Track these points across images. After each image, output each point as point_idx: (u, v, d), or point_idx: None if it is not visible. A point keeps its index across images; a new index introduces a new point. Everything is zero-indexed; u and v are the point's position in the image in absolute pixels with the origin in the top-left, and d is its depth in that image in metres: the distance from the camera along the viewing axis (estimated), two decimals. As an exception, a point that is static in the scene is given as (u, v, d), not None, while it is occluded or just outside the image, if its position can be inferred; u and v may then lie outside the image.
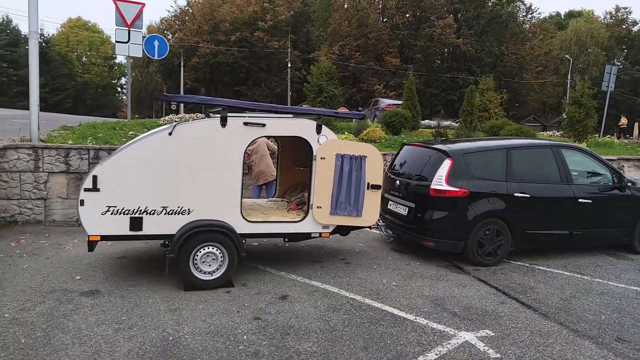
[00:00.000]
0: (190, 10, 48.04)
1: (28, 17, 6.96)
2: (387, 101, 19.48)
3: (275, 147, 7.70)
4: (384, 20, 44.18)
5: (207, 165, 4.40)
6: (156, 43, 12.91)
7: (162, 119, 12.14)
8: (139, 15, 12.17)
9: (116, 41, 12.16)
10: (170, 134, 4.27)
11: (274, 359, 3.19)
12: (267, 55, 41.63)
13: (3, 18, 47.62)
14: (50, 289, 4.27)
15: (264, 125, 4.60)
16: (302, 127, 4.78)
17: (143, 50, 12.51)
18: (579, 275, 5.42)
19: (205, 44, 41.86)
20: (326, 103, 12.75)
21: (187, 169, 4.35)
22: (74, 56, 59.47)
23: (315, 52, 39.35)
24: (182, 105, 38.62)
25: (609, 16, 56.09)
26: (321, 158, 4.76)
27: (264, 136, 5.02)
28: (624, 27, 54.26)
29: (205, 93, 45.44)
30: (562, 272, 5.53)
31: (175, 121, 11.30)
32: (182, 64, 41.02)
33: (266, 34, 40.95)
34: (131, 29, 11.97)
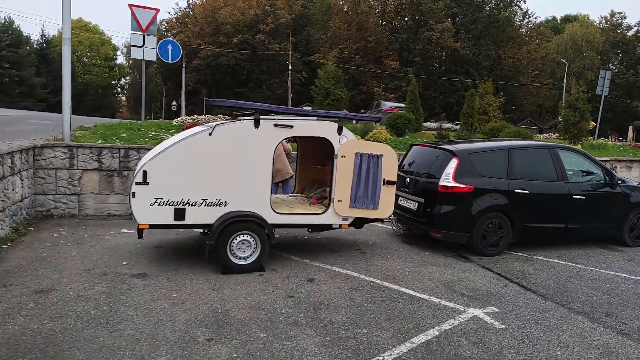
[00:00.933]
0: (192, 13, 48.55)
1: (62, 25, 7.46)
2: (389, 104, 20.06)
3: (290, 147, 8.24)
4: (383, 23, 44.88)
5: (242, 162, 4.92)
6: (170, 47, 13.42)
7: (175, 120, 12.63)
8: (153, 21, 12.68)
9: (131, 45, 12.65)
10: (210, 134, 4.79)
11: (312, 327, 3.71)
12: (268, 57, 42.18)
13: (5, 19, 47.84)
14: (102, 272, 4.77)
15: (291, 126, 5.12)
16: (325, 129, 5.30)
17: (157, 54, 13.01)
18: (573, 264, 5.97)
19: (207, 46, 42.35)
20: (333, 106, 13.32)
21: (225, 166, 4.86)
22: (74, 57, 59.78)
23: (316, 55, 39.96)
24: (182, 107, 39.14)
25: (604, 21, 57.07)
26: (342, 156, 5.28)
27: (291, 137, 5.52)
28: (618, 31, 55.18)
29: (206, 94, 45.90)
30: (558, 261, 6.08)
31: (189, 122, 11.83)
32: (183, 66, 41.47)
33: (267, 36, 41.52)
34: (146, 33, 12.46)
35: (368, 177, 5.36)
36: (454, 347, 3.50)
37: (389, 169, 5.43)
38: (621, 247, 6.98)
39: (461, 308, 4.28)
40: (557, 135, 16.44)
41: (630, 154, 13.54)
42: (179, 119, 12.94)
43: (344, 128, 5.34)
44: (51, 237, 6.02)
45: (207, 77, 44.19)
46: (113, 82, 69.16)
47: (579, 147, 11.82)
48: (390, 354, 3.33)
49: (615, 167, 11.32)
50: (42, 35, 53.81)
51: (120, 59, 69.93)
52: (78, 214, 7.24)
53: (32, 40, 52.73)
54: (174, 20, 51.39)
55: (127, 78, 69.69)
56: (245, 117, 5.45)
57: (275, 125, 5.04)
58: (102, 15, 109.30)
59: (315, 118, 5.45)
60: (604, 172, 6.95)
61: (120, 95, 73.04)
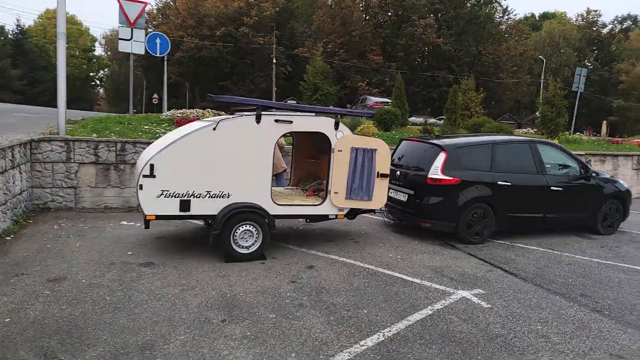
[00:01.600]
0: (173, 4, 47.83)
1: (57, 20, 7.49)
2: (374, 99, 20.39)
3: (283, 141, 8.47)
4: (367, 18, 45.13)
5: (244, 156, 5.15)
6: (158, 41, 13.44)
7: (163, 114, 12.66)
8: (141, 14, 12.68)
9: (119, 39, 12.64)
10: (214, 129, 5.00)
11: (316, 308, 4.01)
12: (252, 50, 41.96)
13: (-22, 8, 46.19)
14: (110, 261, 4.96)
15: (291, 122, 5.38)
16: (322, 124, 5.57)
17: (145, 48, 13.00)
18: (551, 251, 6.42)
19: (189, 38, 41.85)
20: (321, 101, 13.58)
21: (228, 159, 5.09)
22: (51, 48, 58.18)
23: (300, 49, 40.01)
24: (165, 100, 38.79)
25: (580, 18, 58.61)
26: (338, 150, 5.57)
27: (291, 131, 5.76)
28: (594, 29, 56.84)
29: (189, 87, 45.50)
30: (537, 248, 6.53)
31: (178, 116, 11.90)
32: (165, 58, 40.95)
33: (251, 29, 41.27)
34: (134, 27, 12.45)
35: (363, 170, 5.66)
36: (446, 323, 3.85)
37: (383, 163, 5.75)
38: (595, 235, 7.49)
39: (451, 290, 4.64)
40: (535, 130, 17.09)
41: (604, 148, 14.22)
42: (167, 112, 12.95)
43: (340, 123, 5.62)
44: (52, 230, 6.14)
45: (189, 69, 43.67)
46: (91, 74, 67.63)
47: (556, 141, 12.40)
48: (390, 330, 3.65)
49: (590, 160, 11.94)
50: (18, 26, 52.22)
51: (99, 51, 68.47)
52: (75, 207, 7.35)
53: (7, 31, 51.16)
54: (156, 11, 50.53)
55: (106, 70, 68.26)
56: (245, 113, 5.66)
57: (276, 120, 5.28)
58: (80, 6, 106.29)
59: (313, 114, 5.71)
60: (579, 165, 7.43)
61: (99, 87, 71.59)
